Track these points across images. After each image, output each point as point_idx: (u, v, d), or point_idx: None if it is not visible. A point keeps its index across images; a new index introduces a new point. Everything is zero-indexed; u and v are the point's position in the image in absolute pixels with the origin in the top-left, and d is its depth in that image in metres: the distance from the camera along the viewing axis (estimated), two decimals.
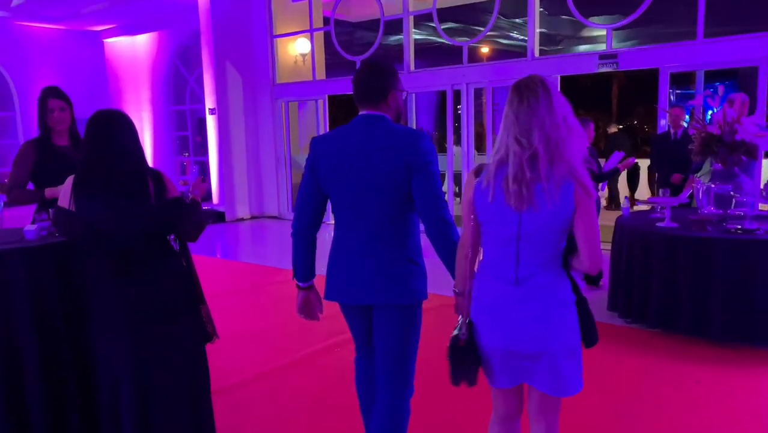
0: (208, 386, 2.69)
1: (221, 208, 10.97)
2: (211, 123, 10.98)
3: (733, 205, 4.50)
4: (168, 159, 13.06)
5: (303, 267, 2.43)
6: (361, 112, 2.31)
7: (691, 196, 5.71)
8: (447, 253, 2.22)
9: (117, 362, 2.44)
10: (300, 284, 2.46)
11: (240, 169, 11.06)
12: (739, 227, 4.24)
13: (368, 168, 2.21)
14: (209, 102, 10.89)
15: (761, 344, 4.05)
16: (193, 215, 2.51)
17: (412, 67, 9.38)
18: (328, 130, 10.55)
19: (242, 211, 11.13)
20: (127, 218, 2.40)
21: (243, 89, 11.00)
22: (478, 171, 2.00)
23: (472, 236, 2.06)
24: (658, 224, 4.64)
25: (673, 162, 6.16)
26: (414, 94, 9.80)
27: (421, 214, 2.24)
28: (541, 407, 2.07)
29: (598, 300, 4.81)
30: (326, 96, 10.32)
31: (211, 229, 9.55)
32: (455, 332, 2.08)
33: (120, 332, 2.43)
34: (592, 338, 2.02)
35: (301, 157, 11.19)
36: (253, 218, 11.33)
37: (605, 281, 5.20)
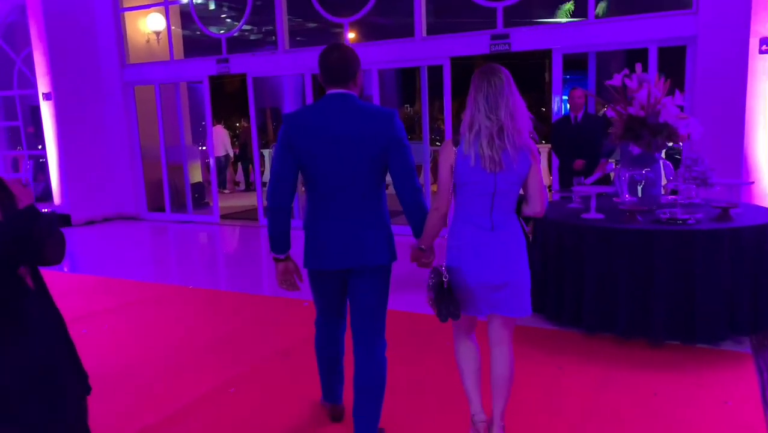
0: None
1: (65, 211, 9.37)
2: (46, 111, 9.29)
3: (661, 192, 4.26)
4: None
5: (282, 240, 2.54)
6: (330, 91, 2.46)
7: (600, 181, 5.51)
8: (420, 217, 2.53)
9: None
10: (279, 256, 2.57)
11: (86, 163, 9.51)
12: (668, 216, 3.97)
13: (348, 144, 2.39)
14: (43, 86, 9.19)
15: (703, 341, 3.80)
16: (54, 228, 1.67)
17: (287, 46, 8.50)
18: (210, 115, 9.42)
19: (92, 212, 9.62)
20: None
21: (85, 71, 9.44)
22: (456, 141, 2.43)
23: (449, 199, 2.47)
24: (584, 216, 4.28)
25: (574, 147, 5.92)
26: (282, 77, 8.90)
27: (398, 185, 2.49)
28: (503, 328, 2.56)
29: None
30: (207, 77, 9.05)
31: None
32: (436, 279, 2.41)
33: None
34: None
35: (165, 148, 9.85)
36: (106, 219, 9.84)
37: None
